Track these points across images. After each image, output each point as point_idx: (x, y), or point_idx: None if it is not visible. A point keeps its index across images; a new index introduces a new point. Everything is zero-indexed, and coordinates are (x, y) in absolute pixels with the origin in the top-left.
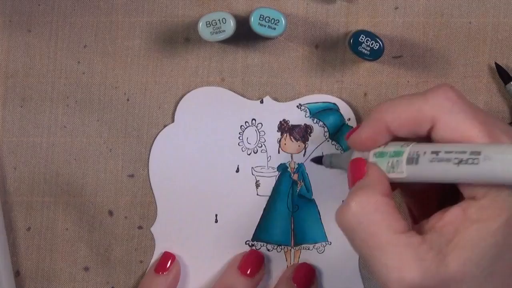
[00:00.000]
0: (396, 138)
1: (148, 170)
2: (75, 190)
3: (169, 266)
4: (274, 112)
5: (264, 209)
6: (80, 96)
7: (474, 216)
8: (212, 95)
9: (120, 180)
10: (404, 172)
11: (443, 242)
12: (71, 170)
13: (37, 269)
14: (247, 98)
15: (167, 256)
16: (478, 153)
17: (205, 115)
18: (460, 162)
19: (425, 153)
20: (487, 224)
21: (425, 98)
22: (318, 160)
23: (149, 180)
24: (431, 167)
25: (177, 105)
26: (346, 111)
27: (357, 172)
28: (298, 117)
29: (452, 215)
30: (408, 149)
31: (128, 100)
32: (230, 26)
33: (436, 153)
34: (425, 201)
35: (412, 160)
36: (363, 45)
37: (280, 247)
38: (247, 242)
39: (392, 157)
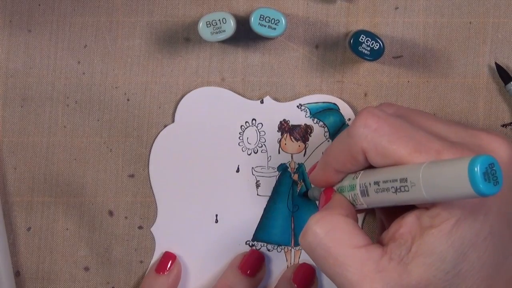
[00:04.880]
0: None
1: (148, 170)
2: (75, 190)
3: (170, 266)
4: (274, 112)
5: (264, 209)
6: (80, 96)
7: (427, 223)
8: (212, 95)
9: (120, 180)
10: (364, 203)
11: (403, 251)
12: (71, 170)
13: (37, 269)
14: (247, 98)
15: (168, 256)
16: (405, 179)
17: (205, 115)
18: (396, 190)
19: (370, 184)
20: (440, 228)
21: (348, 134)
22: (305, 194)
23: (149, 180)
24: (378, 197)
25: (177, 105)
26: (346, 111)
27: (324, 200)
28: (298, 117)
29: (408, 223)
30: (358, 182)
31: (128, 100)
32: (230, 26)
33: (377, 183)
34: (392, 210)
35: (364, 192)
36: (363, 45)
37: (280, 247)
38: (247, 242)
39: (349, 192)
